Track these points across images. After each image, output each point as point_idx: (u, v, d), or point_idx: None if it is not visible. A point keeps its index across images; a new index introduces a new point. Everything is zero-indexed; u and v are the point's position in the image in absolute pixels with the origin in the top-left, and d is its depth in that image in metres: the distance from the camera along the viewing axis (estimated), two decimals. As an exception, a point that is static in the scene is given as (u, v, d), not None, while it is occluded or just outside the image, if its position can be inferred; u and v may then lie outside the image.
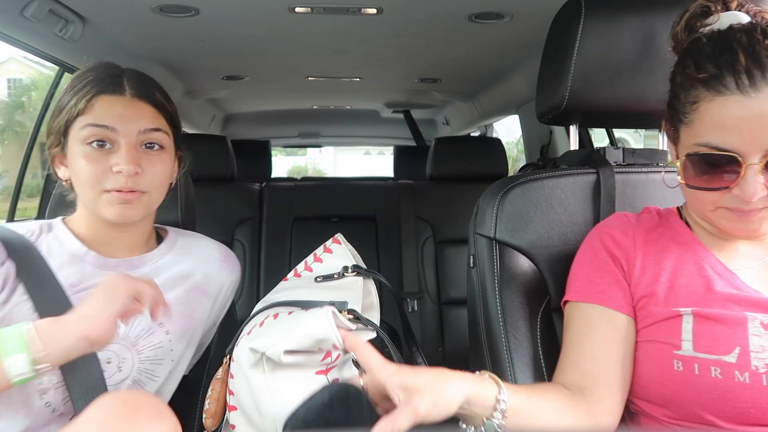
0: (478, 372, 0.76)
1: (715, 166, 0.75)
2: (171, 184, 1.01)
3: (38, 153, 2.25)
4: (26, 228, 0.95)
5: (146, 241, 1.02)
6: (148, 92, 0.93)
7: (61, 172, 0.95)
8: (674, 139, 0.83)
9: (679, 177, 0.80)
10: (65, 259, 0.92)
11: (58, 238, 0.94)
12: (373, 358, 0.71)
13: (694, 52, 0.78)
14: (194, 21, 1.65)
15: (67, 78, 2.02)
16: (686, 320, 0.78)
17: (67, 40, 1.59)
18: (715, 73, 0.73)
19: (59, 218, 0.99)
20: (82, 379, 0.84)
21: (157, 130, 0.92)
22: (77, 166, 0.89)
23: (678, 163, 0.80)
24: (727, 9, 0.80)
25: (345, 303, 0.83)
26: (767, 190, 0.73)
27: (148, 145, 0.92)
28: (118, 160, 0.88)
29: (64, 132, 0.91)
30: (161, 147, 0.94)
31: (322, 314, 0.77)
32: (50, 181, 2.10)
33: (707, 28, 0.80)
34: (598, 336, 0.84)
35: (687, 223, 0.88)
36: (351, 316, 0.81)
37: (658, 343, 0.79)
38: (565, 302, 0.91)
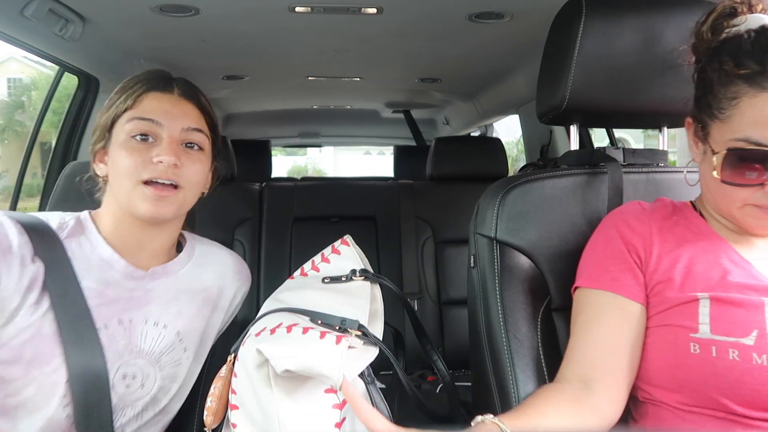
0: (479, 418, 0.74)
1: (751, 163, 0.76)
2: (203, 193, 1.01)
3: (38, 153, 2.25)
4: (57, 221, 0.92)
5: (171, 248, 1.01)
6: (194, 94, 0.96)
7: (100, 169, 0.95)
8: (701, 136, 0.84)
9: (714, 172, 0.80)
10: (94, 264, 0.90)
11: (90, 241, 0.92)
12: (372, 416, 0.69)
13: (731, 48, 0.79)
14: (194, 20, 1.65)
15: (67, 77, 2.02)
16: (703, 304, 0.79)
17: (67, 40, 1.58)
18: (758, 69, 0.75)
19: (86, 213, 0.96)
20: (90, 397, 0.83)
21: (199, 130, 0.94)
22: (118, 158, 0.89)
23: (714, 159, 0.80)
24: (752, 11, 0.82)
25: (355, 322, 0.82)
26: None
27: (188, 144, 0.93)
28: (159, 151, 0.89)
29: (110, 127, 0.92)
30: (200, 148, 0.95)
31: (334, 354, 0.76)
32: (50, 180, 2.10)
33: (734, 28, 0.81)
34: (607, 324, 0.84)
35: (702, 216, 0.89)
36: (360, 333, 0.81)
37: (674, 327, 0.80)
38: (575, 288, 0.91)
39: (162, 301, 0.95)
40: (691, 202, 0.92)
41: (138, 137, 0.90)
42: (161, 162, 0.88)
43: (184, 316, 0.97)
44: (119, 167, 0.89)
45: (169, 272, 0.98)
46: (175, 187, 0.90)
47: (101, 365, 0.85)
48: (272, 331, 0.82)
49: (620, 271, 0.86)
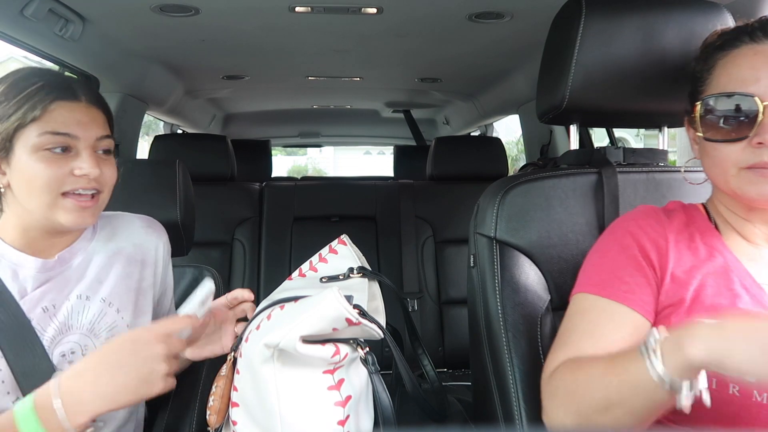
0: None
1: (729, 113, 0.75)
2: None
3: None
4: None
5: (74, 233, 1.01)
6: (98, 99, 0.94)
7: None
8: (695, 126, 0.82)
9: (699, 132, 0.80)
10: (7, 270, 0.90)
11: None
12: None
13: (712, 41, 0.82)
14: (194, 20, 1.65)
15: (67, 77, 2.02)
16: None
17: (67, 40, 1.58)
18: (730, 37, 0.77)
19: None
20: (35, 382, 0.84)
21: (108, 137, 0.94)
22: (32, 171, 0.87)
23: (697, 118, 0.80)
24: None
25: (351, 297, 0.82)
26: None
27: (101, 151, 0.93)
28: (81, 164, 0.88)
29: (11, 138, 0.87)
30: (109, 151, 0.95)
31: (329, 293, 0.78)
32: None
33: None
34: (623, 337, 0.76)
35: (716, 227, 0.85)
36: (357, 311, 0.81)
37: None
38: (577, 292, 0.84)
39: (79, 277, 0.96)
40: (703, 206, 0.88)
41: (57, 150, 0.87)
42: (86, 175, 0.88)
43: (106, 281, 0.98)
44: (36, 180, 0.87)
45: (76, 252, 0.98)
46: (95, 194, 0.92)
47: (44, 358, 0.87)
48: (268, 317, 0.84)
49: (637, 284, 0.79)
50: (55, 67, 1.79)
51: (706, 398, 0.61)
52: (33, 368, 0.86)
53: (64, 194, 0.88)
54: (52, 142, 0.87)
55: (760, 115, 0.72)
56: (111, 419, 0.95)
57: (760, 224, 0.81)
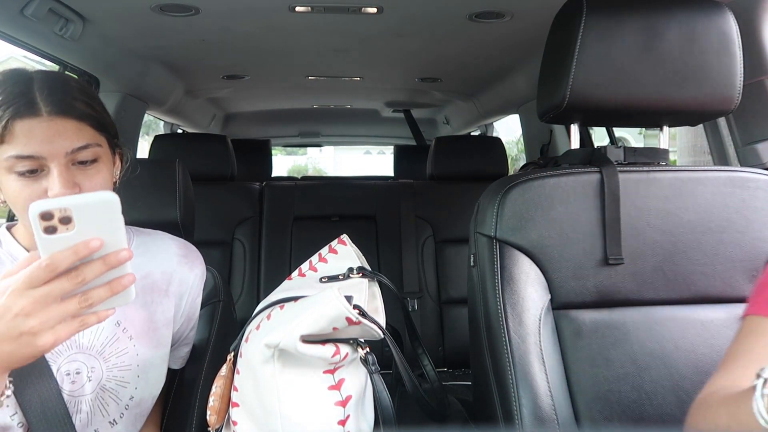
0: None
1: None
2: (115, 183, 0.95)
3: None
4: None
5: None
6: (65, 105, 0.84)
7: None
8: None
9: None
10: None
11: (11, 254, 0.89)
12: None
13: None
14: (194, 20, 1.65)
15: (67, 77, 2.01)
16: None
17: (67, 39, 1.58)
18: None
19: (4, 228, 0.93)
20: (36, 395, 0.83)
21: (85, 147, 0.84)
22: (10, 192, 0.83)
23: None
24: None
25: (351, 297, 0.82)
26: None
27: (80, 162, 0.85)
28: (51, 184, 0.81)
29: None
30: (94, 160, 0.87)
31: (329, 293, 0.78)
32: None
33: None
34: None
35: None
36: (357, 312, 0.81)
37: None
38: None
39: None
40: None
41: (25, 173, 0.82)
42: (57, 196, 0.80)
43: (124, 306, 0.92)
44: (15, 202, 0.83)
45: None
46: None
47: (47, 372, 0.84)
48: (268, 317, 0.84)
49: None
50: (54, 67, 1.79)
51: None
52: (36, 384, 0.83)
53: None
54: (18, 166, 0.81)
55: None
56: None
57: None
